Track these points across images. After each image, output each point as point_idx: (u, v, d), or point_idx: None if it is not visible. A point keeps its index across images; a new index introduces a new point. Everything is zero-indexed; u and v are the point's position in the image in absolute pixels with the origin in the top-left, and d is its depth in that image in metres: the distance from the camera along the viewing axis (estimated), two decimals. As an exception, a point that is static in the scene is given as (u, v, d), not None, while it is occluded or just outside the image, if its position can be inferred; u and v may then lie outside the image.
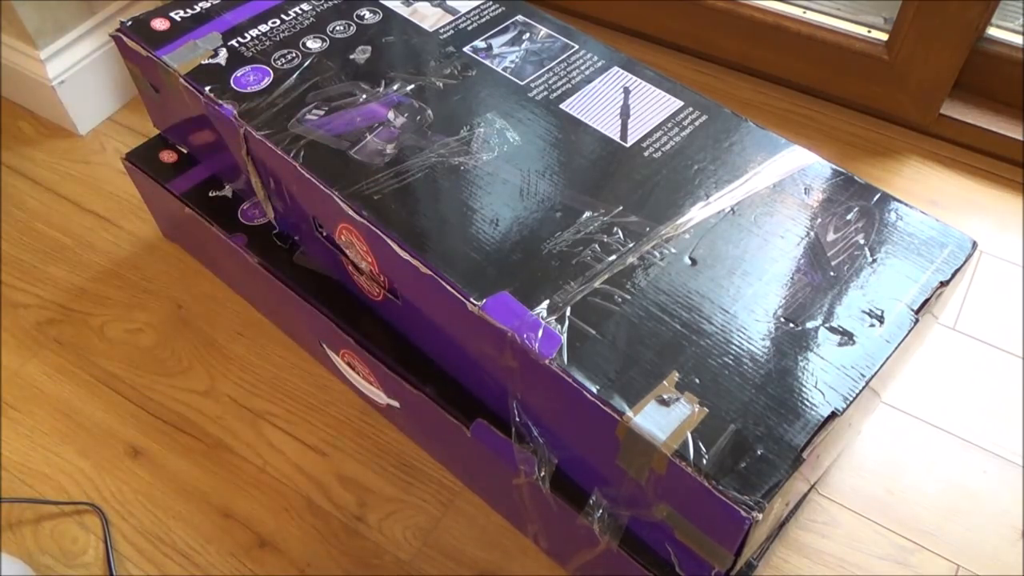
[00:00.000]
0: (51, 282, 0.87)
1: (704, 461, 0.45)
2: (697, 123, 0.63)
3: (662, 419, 0.47)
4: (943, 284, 0.54)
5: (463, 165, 0.60)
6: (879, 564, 0.67)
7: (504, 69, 0.67)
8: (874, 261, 0.55)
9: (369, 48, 0.69)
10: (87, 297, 0.85)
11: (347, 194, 0.58)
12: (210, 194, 0.77)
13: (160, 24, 0.71)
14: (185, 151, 0.80)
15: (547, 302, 0.52)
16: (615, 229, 0.56)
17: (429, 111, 0.64)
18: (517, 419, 0.56)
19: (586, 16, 1.11)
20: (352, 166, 0.60)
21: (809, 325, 0.51)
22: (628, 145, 0.62)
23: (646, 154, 0.61)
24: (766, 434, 0.46)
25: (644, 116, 0.64)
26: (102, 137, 1.00)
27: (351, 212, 0.57)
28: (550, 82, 0.66)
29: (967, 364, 0.78)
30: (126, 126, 1.02)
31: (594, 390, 0.48)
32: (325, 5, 0.73)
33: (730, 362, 0.49)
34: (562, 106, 0.64)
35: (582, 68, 0.67)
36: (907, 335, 0.51)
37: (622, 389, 0.48)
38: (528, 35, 0.71)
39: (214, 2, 0.73)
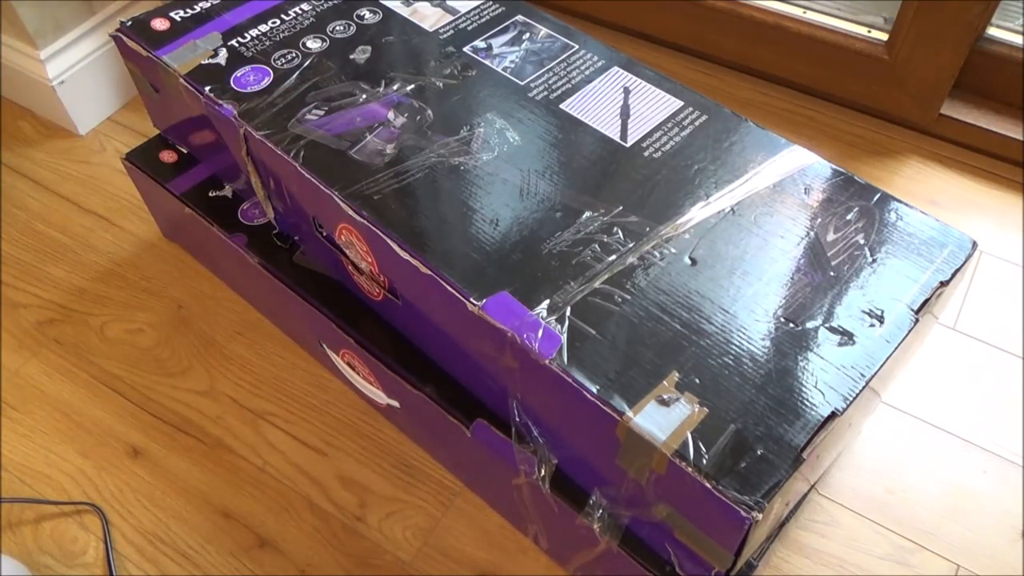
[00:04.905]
0: (51, 282, 0.87)
1: (704, 461, 0.45)
2: (697, 123, 0.63)
3: (662, 419, 0.47)
4: (943, 284, 0.54)
5: (463, 165, 0.60)
6: (879, 564, 0.67)
7: (504, 69, 0.67)
8: (874, 261, 0.55)
9: (369, 48, 0.69)
10: (87, 297, 0.85)
11: (347, 194, 0.58)
12: (210, 194, 0.77)
13: (160, 24, 0.71)
14: (185, 151, 0.80)
15: (547, 302, 0.52)
16: (615, 229, 0.56)
17: (429, 111, 0.64)
18: (517, 419, 0.56)
19: (586, 16, 1.11)
20: (352, 166, 0.60)
21: (809, 325, 0.51)
22: (628, 145, 0.62)
23: (646, 154, 0.61)
24: (766, 434, 0.46)
25: (644, 116, 0.64)
26: (102, 137, 1.00)
27: (351, 212, 0.57)
28: (550, 82, 0.66)
29: (967, 364, 0.78)
30: (126, 126, 1.02)
31: (594, 390, 0.48)
32: (325, 5, 0.73)
33: (730, 362, 0.49)
34: (562, 106, 0.64)
35: (582, 68, 0.67)
36: (907, 335, 0.51)
37: (622, 389, 0.48)
38: (528, 35, 0.71)
39: (214, 2, 0.73)
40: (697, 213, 0.57)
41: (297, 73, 0.67)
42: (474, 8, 0.73)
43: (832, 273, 0.54)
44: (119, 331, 0.82)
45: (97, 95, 1.01)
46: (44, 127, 1.02)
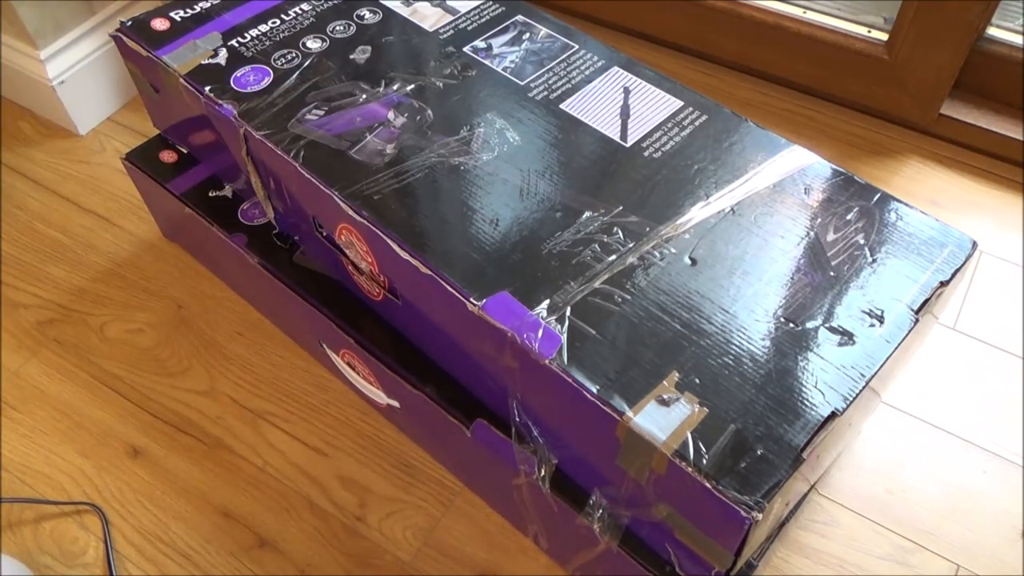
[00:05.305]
0: (51, 282, 0.87)
1: (704, 461, 0.45)
2: (697, 123, 0.63)
3: (662, 419, 0.47)
4: (943, 284, 0.54)
5: (463, 165, 0.60)
6: (879, 564, 0.67)
7: (504, 69, 0.67)
8: (874, 261, 0.55)
9: (369, 48, 0.69)
10: (87, 297, 0.85)
11: (347, 194, 0.58)
12: (210, 194, 0.77)
13: (160, 24, 0.71)
14: (185, 151, 0.80)
15: (547, 302, 0.52)
16: (615, 229, 0.56)
17: (429, 111, 0.64)
18: (517, 419, 0.56)
19: (586, 16, 1.11)
20: (352, 166, 0.60)
21: (809, 325, 0.51)
22: (628, 145, 0.62)
23: (646, 154, 0.61)
24: (766, 434, 0.46)
25: (644, 116, 0.64)
26: (102, 137, 1.00)
27: (351, 212, 0.57)
28: (550, 82, 0.66)
29: (967, 364, 0.78)
30: (126, 126, 1.02)
31: (594, 390, 0.48)
32: (325, 5, 0.73)
33: (730, 362, 0.49)
34: (562, 106, 0.64)
35: (582, 68, 0.67)
36: (907, 335, 0.51)
37: (622, 389, 0.48)
38: (528, 35, 0.71)
39: (214, 2, 0.73)
40: (697, 213, 0.57)
41: (297, 73, 0.67)
42: (474, 8, 0.73)
43: (832, 273, 0.54)
44: (119, 331, 0.83)
45: (97, 95, 1.01)
46: (44, 127, 1.02)
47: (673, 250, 0.55)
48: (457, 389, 0.62)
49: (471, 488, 0.71)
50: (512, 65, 0.68)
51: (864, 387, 0.49)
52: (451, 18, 0.72)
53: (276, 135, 0.62)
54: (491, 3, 0.73)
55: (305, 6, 0.73)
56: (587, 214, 0.57)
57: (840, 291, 0.53)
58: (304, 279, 0.70)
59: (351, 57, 0.68)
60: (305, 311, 0.70)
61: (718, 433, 0.46)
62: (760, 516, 0.44)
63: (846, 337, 0.51)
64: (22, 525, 0.70)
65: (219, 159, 0.74)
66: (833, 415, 0.47)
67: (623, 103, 0.65)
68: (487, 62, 0.68)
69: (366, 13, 0.72)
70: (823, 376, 0.49)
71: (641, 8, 1.06)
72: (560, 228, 0.56)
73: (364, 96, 0.65)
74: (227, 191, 0.77)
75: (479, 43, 0.70)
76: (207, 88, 0.65)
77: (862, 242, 0.56)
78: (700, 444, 0.46)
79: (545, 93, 0.65)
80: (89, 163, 0.98)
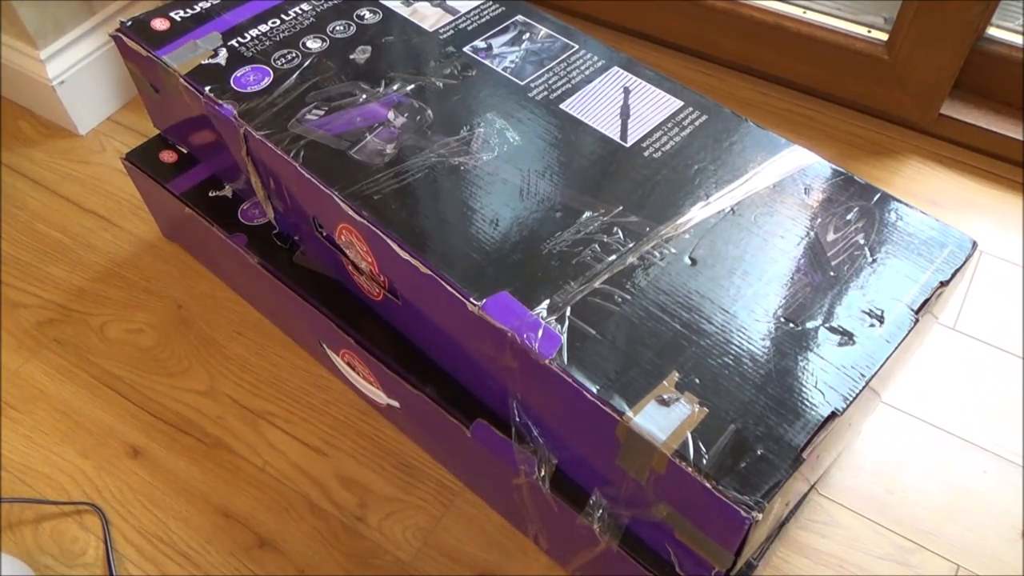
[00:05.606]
0: (51, 282, 0.87)
1: (704, 461, 0.45)
2: (697, 123, 0.63)
3: (662, 419, 0.47)
4: (943, 284, 0.54)
5: (463, 165, 0.60)
6: (879, 564, 0.67)
7: (504, 69, 0.67)
8: (874, 261, 0.55)
9: (369, 48, 0.69)
10: (87, 297, 0.85)
11: (347, 194, 0.58)
12: (210, 194, 0.77)
13: (160, 24, 0.71)
14: (185, 151, 0.80)
15: (547, 302, 0.52)
16: (615, 229, 0.56)
17: (429, 111, 0.64)
18: (517, 419, 0.56)
19: (586, 16, 1.11)
20: (352, 166, 0.60)
21: (809, 325, 0.51)
22: (628, 145, 0.62)
23: (646, 154, 0.61)
24: (766, 434, 0.46)
25: (644, 116, 0.64)
26: (102, 137, 1.00)
27: (351, 212, 0.57)
28: (550, 82, 0.66)
29: (967, 364, 0.78)
30: (126, 126, 1.02)
31: (594, 390, 0.48)
32: (325, 5, 0.73)
33: (730, 362, 0.49)
34: (562, 106, 0.64)
35: (582, 68, 0.67)
36: (907, 335, 0.51)
37: (622, 389, 0.48)
38: (528, 35, 0.71)
39: (214, 2, 0.73)
40: (697, 213, 0.57)
41: (297, 73, 0.67)
42: (474, 8, 0.73)
43: (832, 273, 0.54)
44: (119, 331, 0.83)
45: (97, 95, 1.01)
46: (44, 127, 1.02)
47: (673, 250, 0.55)
48: (457, 389, 0.62)
49: (471, 488, 0.71)
50: (512, 65, 0.68)
51: (864, 387, 0.49)
52: (451, 18, 0.72)
53: (276, 135, 0.62)
54: (491, 3, 0.73)
55: (305, 6, 0.73)
56: (587, 214, 0.57)
57: (840, 291, 0.53)
58: (304, 279, 0.70)
59: (351, 57, 0.68)
60: (305, 311, 0.70)
61: (718, 433, 0.46)
62: (760, 516, 0.44)
63: (846, 337, 0.51)
64: (22, 525, 0.70)
65: (219, 159, 0.74)
66: (833, 415, 0.47)
67: (623, 103, 0.65)
68: (487, 62, 0.68)
69: (366, 13, 0.72)
70: (823, 376, 0.49)
71: (641, 8, 1.06)
72: (560, 228, 0.56)
73: (364, 96, 0.65)
74: (227, 191, 0.77)
75: (479, 43, 0.70)
76: (207, 88, 0.65)
77: (862, 242, 0.56)
78: (700, 444, 0.46)
79: (545, 93, 0.65)
80: (89, 163, 0.98)
